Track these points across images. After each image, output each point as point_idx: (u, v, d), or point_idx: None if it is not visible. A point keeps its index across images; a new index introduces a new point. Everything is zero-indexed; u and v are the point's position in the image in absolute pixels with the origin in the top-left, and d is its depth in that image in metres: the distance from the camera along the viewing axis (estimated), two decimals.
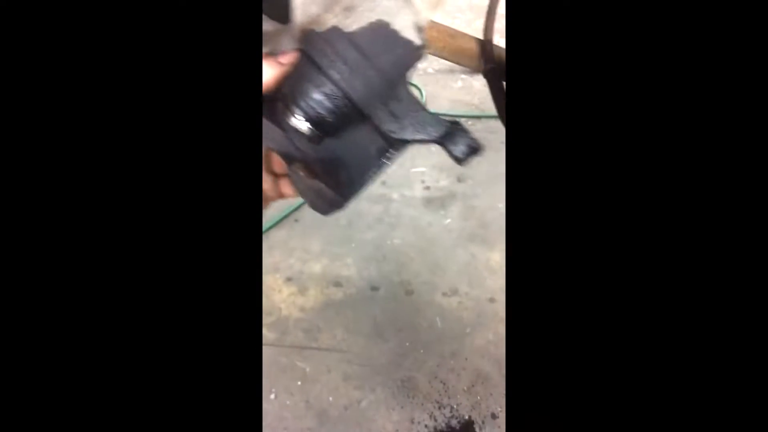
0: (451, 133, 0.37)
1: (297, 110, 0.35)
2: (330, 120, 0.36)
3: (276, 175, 0.43)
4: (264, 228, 1.58)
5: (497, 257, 1.51)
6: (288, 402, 1.25)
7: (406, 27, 0.35)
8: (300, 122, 0.36)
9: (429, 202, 1.67)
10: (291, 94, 0.36)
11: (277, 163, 0.43)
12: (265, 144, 0.39)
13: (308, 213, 1.64)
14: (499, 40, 0.57)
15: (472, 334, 1.36)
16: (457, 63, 0.57)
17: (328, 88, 0.35)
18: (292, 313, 1.43)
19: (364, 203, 1.66)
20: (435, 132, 0.38)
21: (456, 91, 2.03)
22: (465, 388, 1.26)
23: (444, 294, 1.45)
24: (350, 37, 0.34)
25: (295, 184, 0.40)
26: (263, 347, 1.34)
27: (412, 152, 1.64)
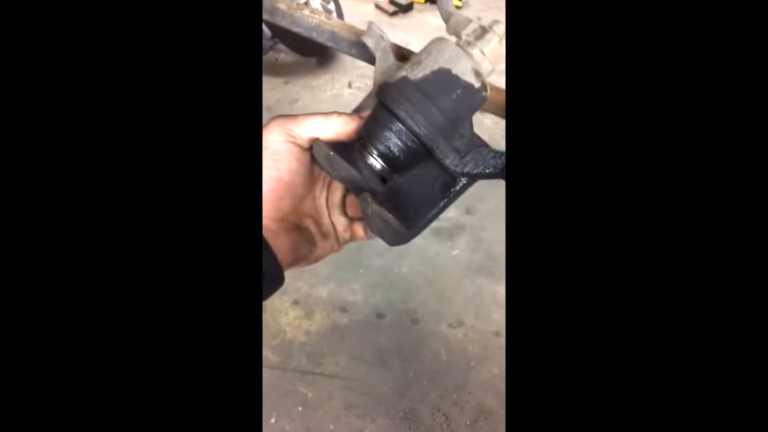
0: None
1: (372, 149, 0.41)
2: (398, 155, 0.40)
3: (350, 219, 0.47)
4: None
5: (504, 290, 1.51)
6: (288, 427, 1.23)
7: (466, 71, 0.40)
8: (375, 161, 0.41)
9: (437, 232, 1.69)
10: (366, 136, 0.41)
11: (352, 206, 0.46)
12: (342, 183, 0.44)
13: None
14: None
15: (476, 368, 1.34)
16: (486, 111, 0.61)
17: (396, 125, 0.40)
18: (297, 337, 1.42)
19: None
20: (495, 166, 0.42)
21: None
22: (468, 422, 1.24)
23: (449, 325, 1.44)
24: (416, 83, 0.40)
25: (363, 210, 0.42)
26: (266, 370, 1.33)
27: None
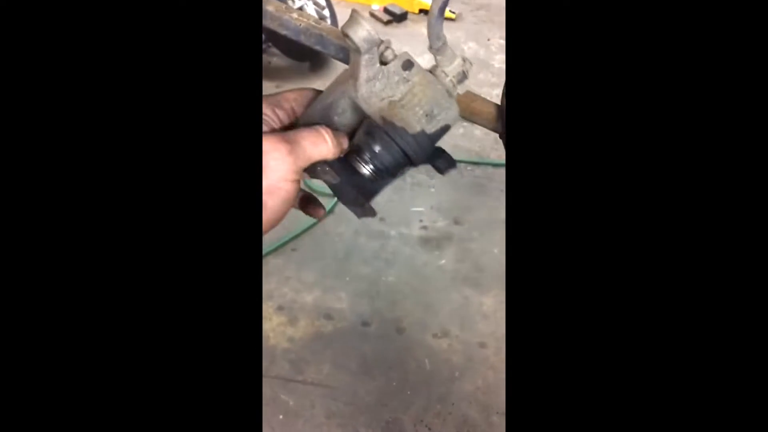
0: (438, 156, 0.54)
1: (362, 158, 0.51)
2: (387, 166, 0.51)
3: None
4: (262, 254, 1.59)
5: (490, 302, 1.52)
6: None
7: (450, 118, 0.51)
8: (363, 167, 0.50)
9: (426, 241, 1.69)
10: (359, 147, 0.51)
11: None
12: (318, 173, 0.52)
13: (306, 243, 1.65)
14: None
15: (460, 379, 1.34)
16: (476, 123, 0.64)
17: (393, 147, 0.51)
18: (280, 343, 1.41)
19: (363, 238, 1.67)
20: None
21: (458, 137, 2.10)
22: None
23: (434, 335, 1.44)
24: (417, 135, 0.51)
25: (328, 181, 0.53)
26: None
27: (412, 192, 1.68)
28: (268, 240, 1.62)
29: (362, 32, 0.46)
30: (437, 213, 1.78)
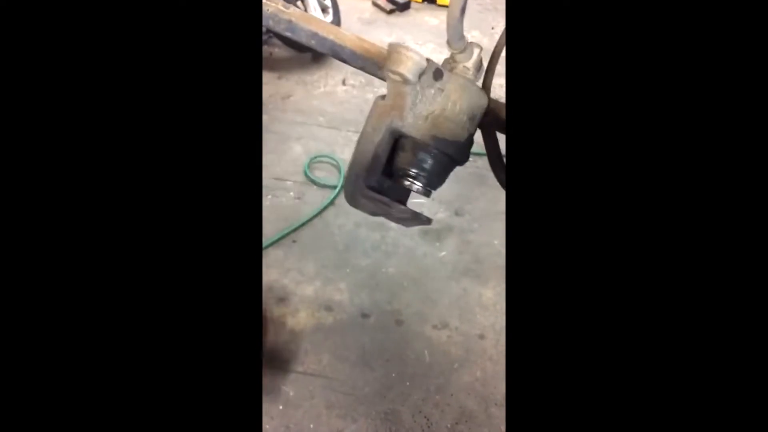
0: None
1: (415, 178, 0.53)
2: (439, 177, 0.55)
3: None
4: (263, 247, 1.59)
5: (489, 293, 1.52)
6: (267, 426, 1.23)
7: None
8: (416, 185, 0.54)
9: (426, 233, 1.69)
10: (408, 169, 0.53)
11: None
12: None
13: (306, 235, 1.65)
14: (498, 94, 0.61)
15: (459, 370, 1.34)
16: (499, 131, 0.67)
17: (442, 158, 0.54)
18: (281, 335, 1.42)
19: (363, 230, 1.67)
20: None
21: None
22: (449, 425, 1.24)
23: (434, 326, 1.44)
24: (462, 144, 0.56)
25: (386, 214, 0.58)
26: None
27: None
28: (269, 232, 1.63)
29: (413, 66, 0.46)
30: (438, 204, 1.77)
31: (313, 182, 1.82)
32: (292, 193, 1.78)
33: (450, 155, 0.51)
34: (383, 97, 0.50)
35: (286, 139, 2.01)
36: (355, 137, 0.63)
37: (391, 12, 2.89)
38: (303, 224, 1.66)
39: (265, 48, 2.54)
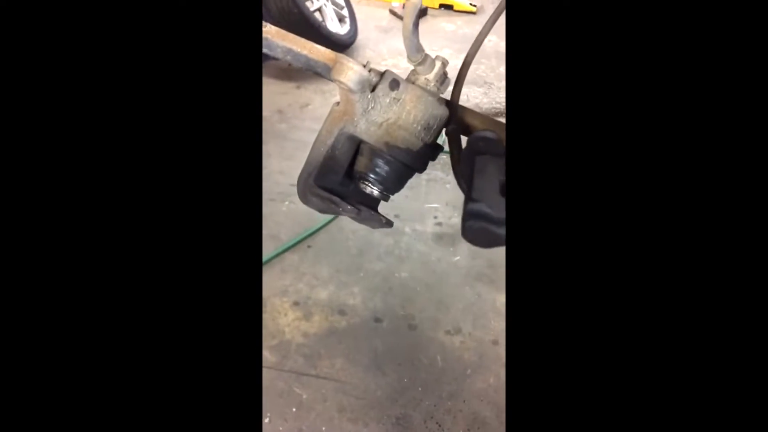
0: None
1: (372, 182, 0.56)
2: (396, 183, 0.57)
3: None
4: (279, 251, 1.62)
5: (503, 299, 1.50)
6: (281, 428, 1.24)
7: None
8: (374, 190, 0.56)
9: (440, 238, 1.68)
10: (366, 173, 0.56)
11: None
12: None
13: (321, 240, 1.67)
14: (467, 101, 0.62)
15: (472, 376, 1.33)
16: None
17: (397, 166, 0.56)
18: (295, 338, 1.44)
19: (377, 235, 1.68)
20: None
21: None
22: (461, 431, 1.23)
23: (447, 332, 1.44)
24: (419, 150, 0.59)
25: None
26: (263, 370, 1.35)
27: (427, 188, 1.67)
28: (285, 237, 1.66)
29: (353, 75, 0.49)
30: (452, 209, 1.77)
31: None
32: None
33: (404, 162, 0.53)
34: (338, 103, 0.53)
35: (305, 146, 2.05)
36: None
37: None
38: (318, 229, 1.68)
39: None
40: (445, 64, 0.55)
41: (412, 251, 1.65)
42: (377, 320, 1.47)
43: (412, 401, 1.28)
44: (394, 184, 0.55)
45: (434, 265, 1.61)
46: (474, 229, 0.42)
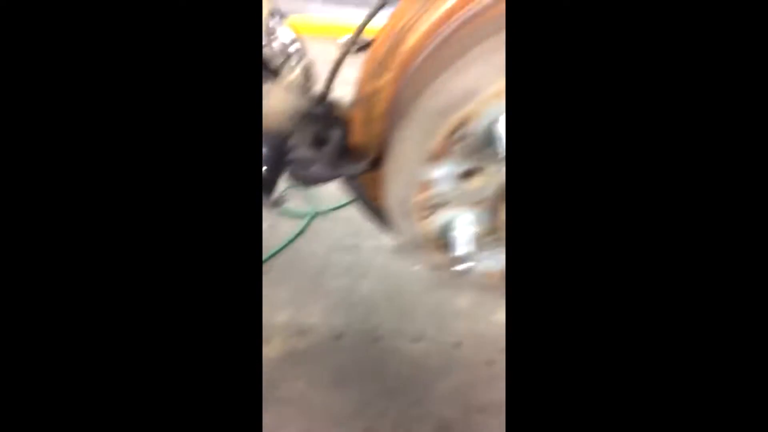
0: None
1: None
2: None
3: None
4: None
5: (463, 302, 1.50)
6: None
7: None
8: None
9: (398, 250, 1.69)
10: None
11: None
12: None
13: (279, 263, 1.66)
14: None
15: (438, 381, 1.31)
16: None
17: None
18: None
19: (336, 254, 1.68)
20: None
21: None
22: None
23: (411, 340, 1.42)
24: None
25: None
26: None
27: None
28: None
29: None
30: None
31: (288, 212, 1.85)
32: (265, 225, 1.81)
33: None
34: None
35: None
36: None
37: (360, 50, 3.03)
38: (275, 253, 1.67)
39: None
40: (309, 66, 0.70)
41: (371, 267, 1.65)
42: (339, 337, 1.44)
43: (377, 413, 1.24)
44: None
45: (395, 276, 1.61)
46: (295, 173, 0.68)
